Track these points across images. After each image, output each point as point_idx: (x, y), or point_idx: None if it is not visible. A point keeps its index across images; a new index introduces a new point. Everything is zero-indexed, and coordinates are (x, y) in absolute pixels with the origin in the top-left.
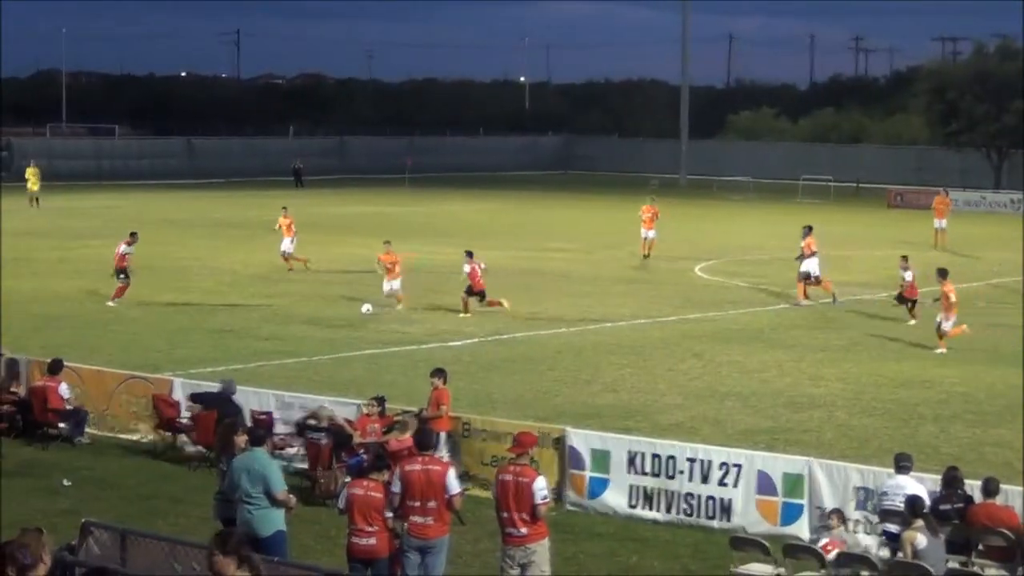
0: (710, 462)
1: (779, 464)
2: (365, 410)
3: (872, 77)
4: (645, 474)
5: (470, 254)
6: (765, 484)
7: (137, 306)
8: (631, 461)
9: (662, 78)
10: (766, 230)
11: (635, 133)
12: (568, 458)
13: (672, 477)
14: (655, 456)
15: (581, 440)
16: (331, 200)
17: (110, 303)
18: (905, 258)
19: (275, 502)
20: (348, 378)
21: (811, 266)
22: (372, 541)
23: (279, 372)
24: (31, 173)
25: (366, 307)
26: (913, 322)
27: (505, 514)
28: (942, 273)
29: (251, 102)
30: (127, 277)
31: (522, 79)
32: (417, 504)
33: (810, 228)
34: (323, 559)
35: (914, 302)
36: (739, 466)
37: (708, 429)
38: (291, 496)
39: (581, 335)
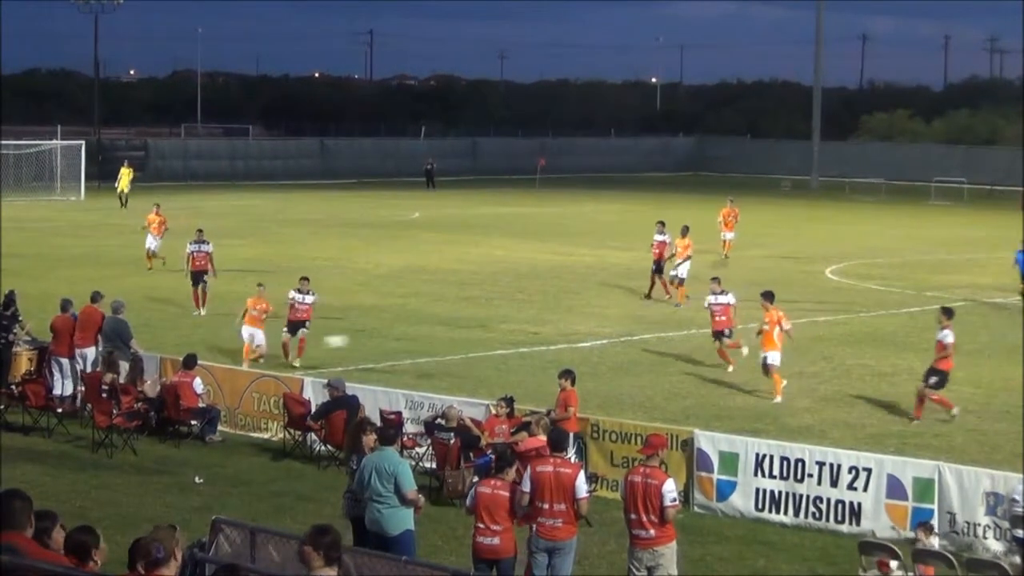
0: (839, 465)
1: (909, 468)
2: (494, 411)
3: (1007, 78)
4: (773, 477)
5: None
6: (895, 488)
7: (274, 305)
8: (759, 464)
9: (795, 79)
10: (898, 232)
11: (767, 134)
12: (696, 460)
13: (800, 480)
14: (783, 459)
15: (709, 442)
16: (463, 201)
17: (199, 312)
18: None
19: (404, 501)
20: (477, 378)
21: (683, 270)
22: (497, 541)
23: (410, 371)
24: (124, 172)
25: (336, 340)
26: None
27: (633, 516)
28: None
29: (383, 103)
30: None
31: (654, 80)
32: (546, 506)
33: (687, 228)
34: (450, 559)
35: None
36: (868, 470)
37: (837, 432)
38: (420, 495)
39: (711, 337)
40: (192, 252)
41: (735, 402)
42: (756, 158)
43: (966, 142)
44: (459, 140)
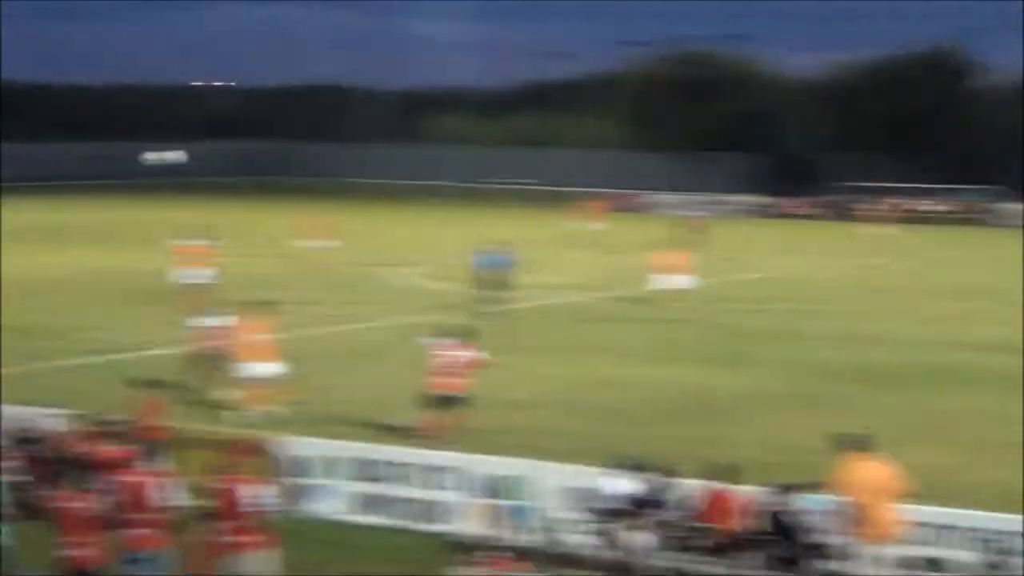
0: (429, 466)
1: (499, 467)
2: (80, 425)
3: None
4: (364, 480)
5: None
6: (483, 487)
7: None
8: (348, 467)
9: (352, 82)
10: (472, 233)
11: (327, 138)
12: (282, 465)
13: (390, 482)
14: (374, 461)
15: (297, 448)
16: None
17: None
18: None
19: None
20: (57, 388)
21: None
22: (81, 552)
23: None
24: None
25: None
26: None
27: (222, 523)
28: None
29: None
30: None
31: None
32: (134, 516)
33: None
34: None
35: None
36: (458, 469)
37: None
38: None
39: (295, 341)
40: None
41: (327, 406)
42: (325, 161)
43: (531, 144)
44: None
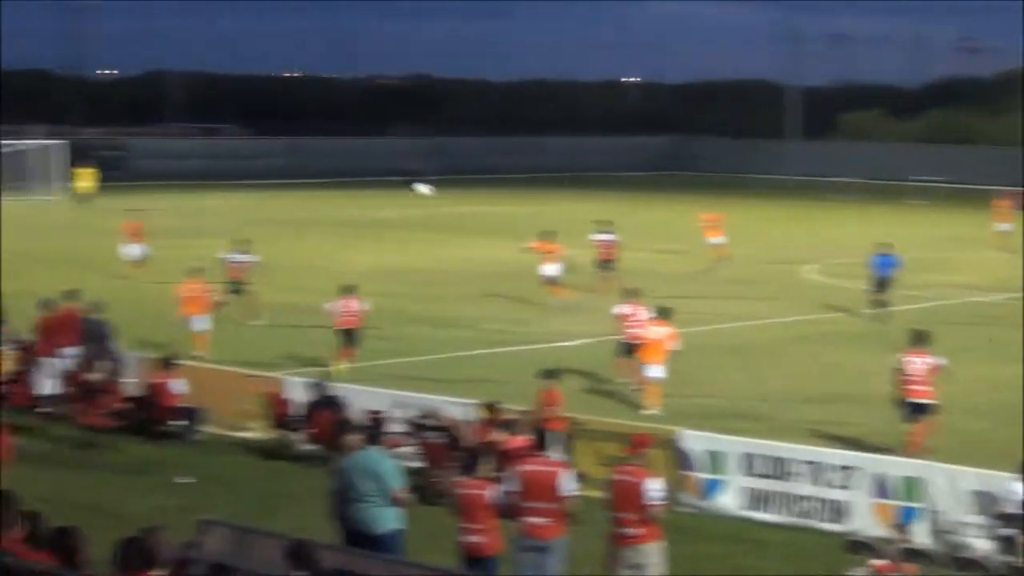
0: (825, 464)
1: (895, 467)
2: (479, 414)
3: (980, 77)
4: (760, 476)
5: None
6: (881, 487)
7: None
8: (746, 463)
9: (771, 78)
10: (874, 231)
11: (744, 134)
12: (680, 459)
13: (787, 479)
14: (769, 458)
15: (693, 441)
16: (438, 200)
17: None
18: None
19: (391, 500)
20: (462, 377)
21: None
22: (478, 539)
23: (394, 371)
24: (81, 173)
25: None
26: None
27: (617, 514)
28: None
29: (359, 102)
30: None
31: (630, 79)
32: (532, 504)
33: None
34: (437, 557)
35: None
36: (855, 468)
37: (822, 431)
38: (407, 494)
39: (694, 337)
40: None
41: (717, 402)
42: (732, 158)
43: (940, 141)
44: (434, 139)
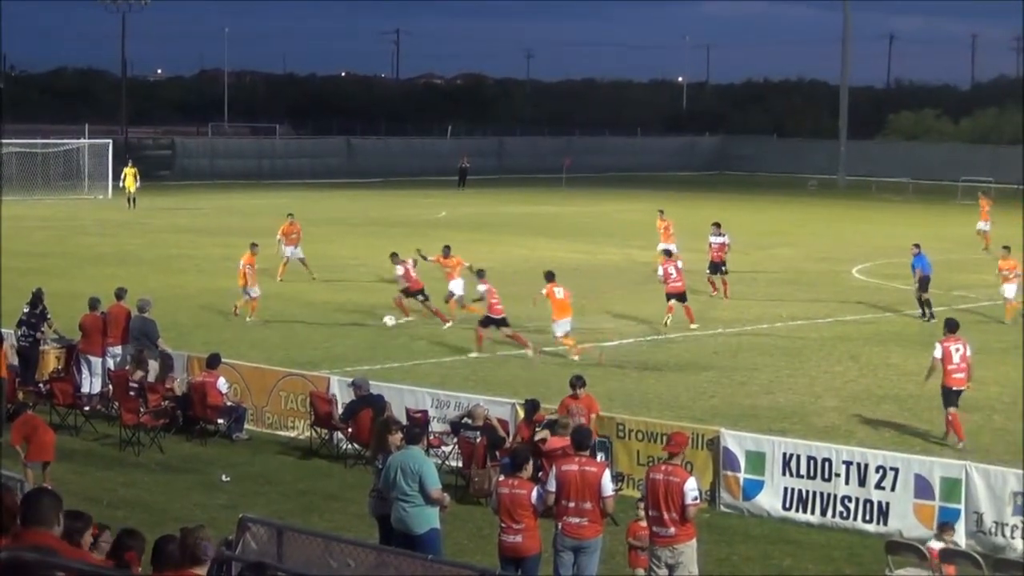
0: (866, 465)
1: (936, 468)
2: (521, 412)
3: None
4: (800, 476)
5: (395, 256)
6: (922, 488)
7: (298, 304)
8: (786, 463)
9: (821, 78)
10: (924, 232)
11: (793, 133)
12: (722, 459)
13: (828, 480)
14: (810, 458)
15: (735, 441)
16: (489, 200)
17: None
18: None
19: (430, 500)
20: (503, 377)
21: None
22: (519, 539)
23: (435, 371)
24: (128, 172)
25: (388, 319)
26: None
27: (654, 513)
28: None
29: (410, 102)
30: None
31: (680, 79)
32: (572, 504)
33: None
34: (476, 557)
35: None
36: (896, 469)
37: (864, 432)
38: (445, 494)
39: (737, 336)
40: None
41: (761, 401)
42: (782, 157)
43: (993, 141)
44: (485, 139)
